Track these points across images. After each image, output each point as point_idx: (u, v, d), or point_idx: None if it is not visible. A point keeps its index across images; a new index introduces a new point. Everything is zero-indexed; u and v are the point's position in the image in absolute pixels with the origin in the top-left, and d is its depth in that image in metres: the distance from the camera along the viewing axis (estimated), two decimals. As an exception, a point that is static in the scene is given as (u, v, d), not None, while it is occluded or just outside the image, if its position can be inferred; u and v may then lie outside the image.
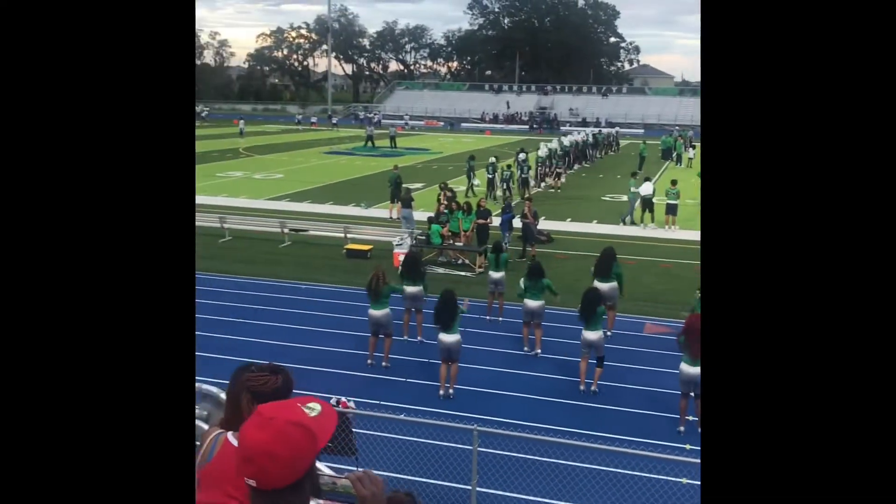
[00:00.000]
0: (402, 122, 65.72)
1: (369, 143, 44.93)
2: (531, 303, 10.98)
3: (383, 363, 10.44)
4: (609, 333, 11.75)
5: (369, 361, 10.51)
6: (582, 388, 9.71)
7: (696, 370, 8.41)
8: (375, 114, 71.33)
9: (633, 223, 22.04)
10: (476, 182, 26.78)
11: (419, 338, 11.44)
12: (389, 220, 21.36)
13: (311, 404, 1.83)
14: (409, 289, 11.36)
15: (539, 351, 11.10)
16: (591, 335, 9.67)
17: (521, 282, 11.10)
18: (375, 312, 10.30)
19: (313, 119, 66.49)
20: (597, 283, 11.48)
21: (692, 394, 8.60)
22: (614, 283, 11.66)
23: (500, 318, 12.47)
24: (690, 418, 8.70)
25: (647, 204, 21.64)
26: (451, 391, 9.50)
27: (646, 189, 21.77)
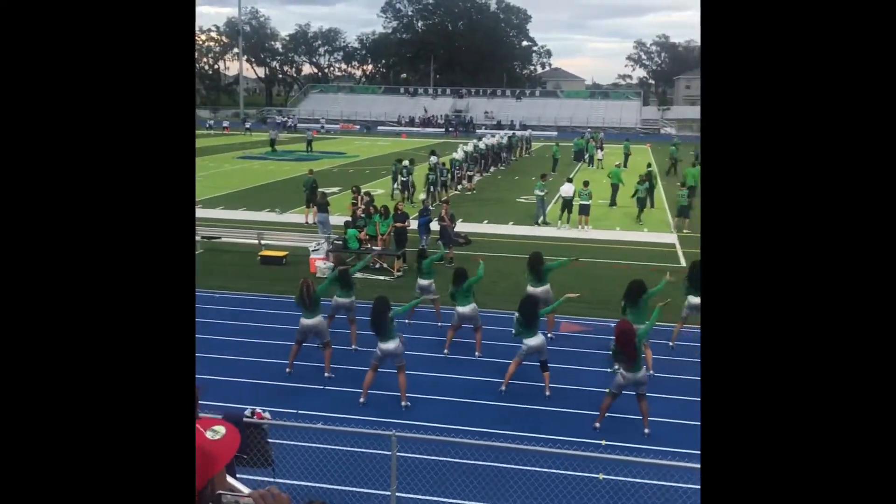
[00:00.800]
0: (318, 125, 65.00)
1: (273, 148, 44.31)
2: (462, 309, 11.00)
3: (326, 374, 10.17)
4: (551, 336, 11.88)
5: (288, 370, 10.32)
6: (502, 388, 9.80)
7: (636, 375, 8.43)
8: (290, 118, 70.21)
9: (546, 223, 22.45)
10: (397, 185, 26.73)
11: (353, 346, 11.22)
12: (305, 225, 21.08)
13: (216, 427, 1.80)
14: (340, 299, 11.20)
15: (479, 353, 11.08)
16: (535, 341, 9.61)
17: (450, 290, 11.13)
18: (308, 321, 10.07)
19: (225, 123, 64.91)
20: (531, 288, 11.57)
21: (626, 393, 8.63)
22: (548, 286, 11.75)
23: (440, 324, 12.33)
24: (608, 415, 8.86)
25: (567, 204, 22.10)
26: (404, 403, 9.28)
27: (566, 190, 22.25)
